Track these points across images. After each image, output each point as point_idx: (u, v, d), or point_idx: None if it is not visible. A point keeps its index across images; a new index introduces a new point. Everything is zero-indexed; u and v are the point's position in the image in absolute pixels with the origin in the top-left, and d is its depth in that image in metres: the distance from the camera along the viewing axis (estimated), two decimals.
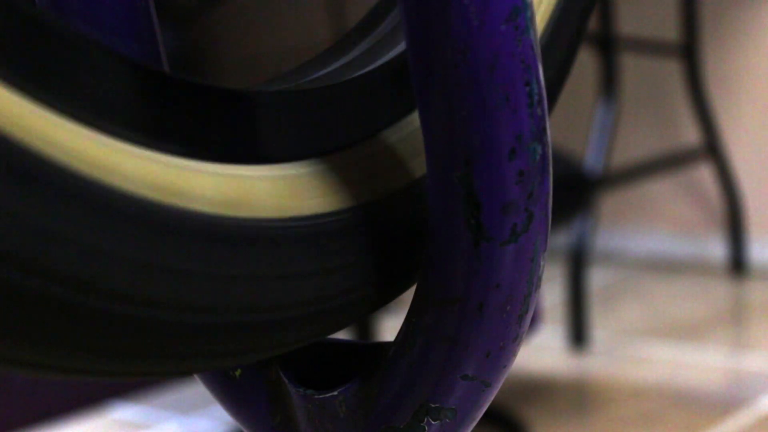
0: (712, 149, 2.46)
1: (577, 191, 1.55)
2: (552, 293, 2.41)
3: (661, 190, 2.66)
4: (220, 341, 0.35)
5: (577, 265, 2.08)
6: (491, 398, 0.42)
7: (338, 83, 0.41)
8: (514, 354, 0.41)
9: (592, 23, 2.47)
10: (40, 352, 0.31)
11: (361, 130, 0.42)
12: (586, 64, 2.69)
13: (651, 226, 2.69)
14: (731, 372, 1.85)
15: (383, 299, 0.42)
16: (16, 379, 1.88)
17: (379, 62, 0.45)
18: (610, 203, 2.73)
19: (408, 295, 0.42)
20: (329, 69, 0.45)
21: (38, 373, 0.33)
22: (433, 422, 0.41)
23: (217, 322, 0.35)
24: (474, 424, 0.42)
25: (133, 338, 0.33)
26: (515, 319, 0.40)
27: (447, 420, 0.41)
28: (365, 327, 1.61)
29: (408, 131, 0.43)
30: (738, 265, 2.51)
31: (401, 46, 0.46)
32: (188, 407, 1.88)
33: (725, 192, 2.50)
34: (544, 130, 0.38)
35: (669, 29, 2.58)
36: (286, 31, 3.01)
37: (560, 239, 2.74)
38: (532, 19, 0.37)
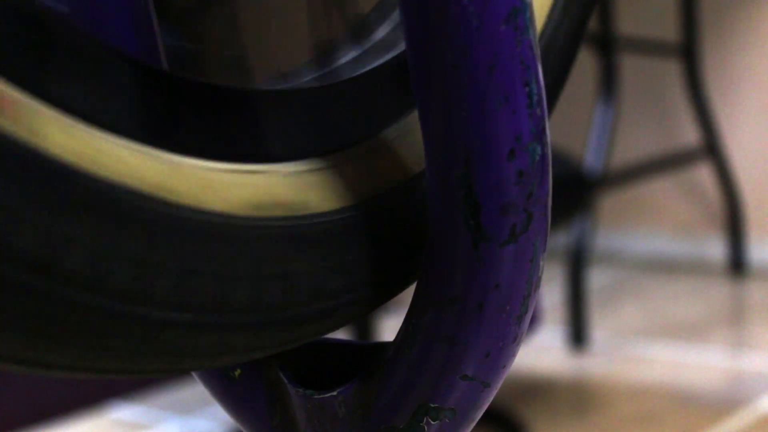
0: (712, 149, 2.46)
1: (577, 191, 1.55)
2: (552, 293, 2.41)
3: (660, 190, 2.66)
4: (220, 340, 0.36)
5: (577, 265, 2.08)
6: (491, 398, 0.42)
7: (339, 82, 0.41)
8: (513, 354, 0.41)
9: (592, 23, 2.47)
10: (38, 349, 0.31)
11: (362, 129, 0.42)
12: (586, 64, 2.69)
13: (651, 226, 2.69)
14: (731, 372, 1.85)
15: (382, 298, 0.42)
16: (16, 379, 1.88)
17: (379, 61, 0.45)
18: (609, 203, 2.73)
19: (408, 295, 0.42)
20: (330, 68, 0.45)
21: (37, 371, 0.33)
22: (432, 422, 0.41)
23: (216, 320, 0.35)
24: (473, 424, 0.42)
25: (129, 336, 0.33)
26: (515, 319, 0.40)
27: (446, 420, 0.41)
28: (365, 327, 1.61)
29: (408, 130, 0.43)
30: (737, 265, 2.51)
31: (401, 46, 0.46)
32: (188, 407, 1.88)
33: (725, 192, 2.50)
34: (544, 130, 0.38)
35: (669, 29, 2.58)
36: (287, 31, 3.00)
37: (560, 239, 2.74)
38: (531, 19, 0.37)
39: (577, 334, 2.05)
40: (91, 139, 0.32)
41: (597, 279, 2.50)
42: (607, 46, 2.21)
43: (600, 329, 2.13)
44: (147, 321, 0.33)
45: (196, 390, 1.95)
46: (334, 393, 0.42)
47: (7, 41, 0.30)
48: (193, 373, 0.44)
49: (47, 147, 0.30)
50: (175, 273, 0.33)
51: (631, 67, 2.63)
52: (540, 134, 0.38)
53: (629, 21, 2.62)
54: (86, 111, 0.32)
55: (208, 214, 0.34)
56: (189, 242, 0.34)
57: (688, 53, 2.43)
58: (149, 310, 0.33)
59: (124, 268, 0.32)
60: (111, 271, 0.31)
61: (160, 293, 0.33)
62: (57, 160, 0.30)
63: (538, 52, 0.37)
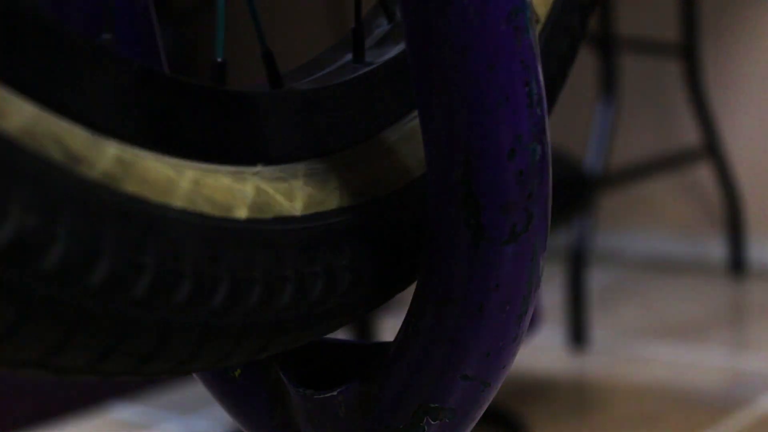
0: (712, 149, 2.46)
1: (577, 191, 1.55)
2: (552, 293, 2.41)
3: (660, 190, 2.66)
4: (228, 342, 0.35)
5: (577, 265, 2.08)
6: (491, 398, 0.42)
7: (338, 83, 0.41)
8: (513, 354, 0.41)
9: (592, 23, 2.47)
10: (38, 351, 0.31)
11: (361, 130, 0.42)
12: (586, 64, 2.69)
13: (650, 226, 2.69)
14: (731, 372, 1.85)
15: (381, 299, 0.42)
16: (16, 379, 1.88)
17: (379, 62, 0.44)
18: (609, 203, 2.73)
19: (408, 295, 0.42)
20: (330, 69, 0.45)
21: (37, 373, 0.33)
22: (432, 422, 0.41)
23: (217, 322, 0.35)
24: (473, 424, 0.42)
25: (133, 339, 0.33)
26: (515, 319, 0.40)
27: (446, 420, 0.41)
28: (365, 327, 1.61)
29: (408, 131, 0.43)
30: (737, 265, 2.51)
31: (401, 46, 0.46)
32: (188, 407, 1.88)
33: (725, 192, 2.50)
34: (544, 130, 0.38)
35: (669, 29, 2.58)
36: (287, 31, 3.00)
37: (560, 239, 2.74)
38: (531, 19, 0.37)
39: (577, 334, 2.05)
40: (86, 143, 0.32)
41: (597, 279, 2.50)
42: (607, 46, 2.21)
43: (600, 329, 2.13)
44: (164, 325, 0.33)
45: (196, 390, 1.95)
46: (335, 393, 0.42)
47: (4, 45, 0.30)
48: (194, 373, 0.44)
49: (37, 148, 0.30)
50: (172, 275, 0.33)
51: (631, 67, 2.63)
52: (540, 134, 0.38)
53: (629, 21, 2.62)
54: (77, 111, 0.32)
55: (202, 217, 0.34)
56: (183, 245, 0.34)
57: (688, 53, 2.43)
58: (140, 310, 0.33)
59: (117, 272, 0.32)
60: (109, 273, 0.31)
61: (154, 293, 0.33)
62: (46, 161, 0.30)
63: (538, 52, 0.37)
